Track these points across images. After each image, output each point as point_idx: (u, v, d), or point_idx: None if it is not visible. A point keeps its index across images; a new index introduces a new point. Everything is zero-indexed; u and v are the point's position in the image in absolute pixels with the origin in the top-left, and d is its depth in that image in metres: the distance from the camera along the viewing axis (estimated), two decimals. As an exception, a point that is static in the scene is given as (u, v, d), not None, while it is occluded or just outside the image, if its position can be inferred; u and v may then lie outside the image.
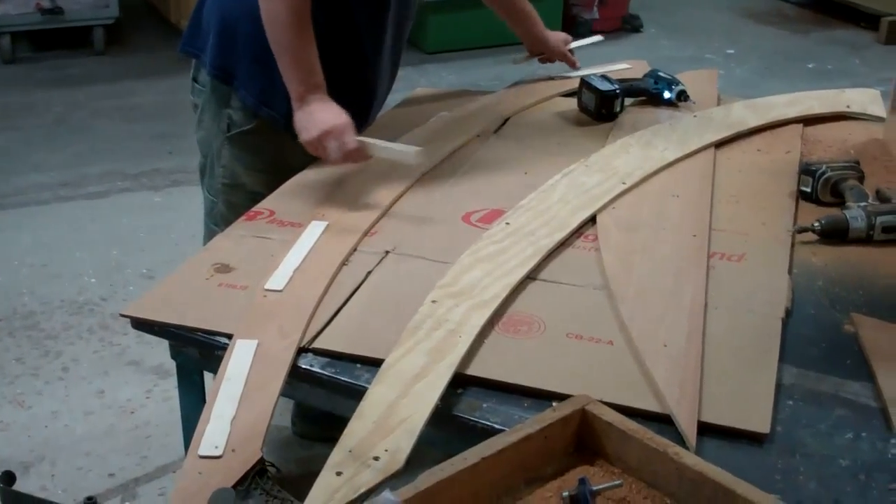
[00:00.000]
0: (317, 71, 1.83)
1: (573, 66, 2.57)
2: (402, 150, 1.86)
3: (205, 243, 1.95)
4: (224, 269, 1.64)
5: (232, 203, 2.02)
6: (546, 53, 2.56)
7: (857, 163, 1.92)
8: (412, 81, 5.32)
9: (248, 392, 1.32)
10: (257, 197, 1.90)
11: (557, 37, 2.61)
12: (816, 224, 1.73)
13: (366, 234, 1.73)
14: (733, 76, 5.55)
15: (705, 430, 1.25)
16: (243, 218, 1.81)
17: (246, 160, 2.01)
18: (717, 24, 6.56)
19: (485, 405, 1.31)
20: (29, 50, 5.53)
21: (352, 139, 1.81)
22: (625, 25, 6.26)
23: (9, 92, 4.98)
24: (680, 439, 1.21)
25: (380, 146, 1.85)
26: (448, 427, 1.29)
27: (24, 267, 3.40)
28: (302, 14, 1.79)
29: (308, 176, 1.96)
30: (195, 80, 2.08)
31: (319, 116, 1.81)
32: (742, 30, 6.44)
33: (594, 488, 1.09)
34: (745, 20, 6.66)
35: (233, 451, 1.22)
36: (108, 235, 3.58)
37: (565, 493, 1.09)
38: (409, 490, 1.01)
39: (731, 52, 5.95)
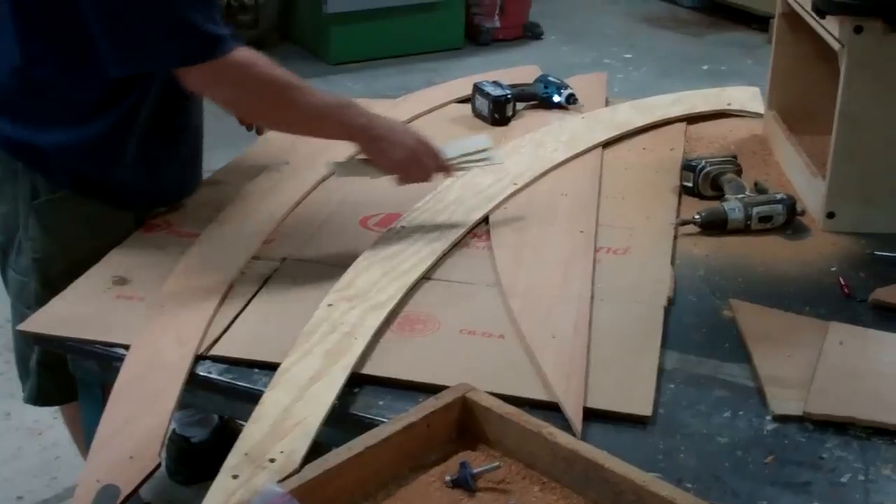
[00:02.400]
0: (345, 102, 1.71)
1: None
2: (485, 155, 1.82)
3: (15, 326, 1.72)
4: (121, 281, 1.65)
5: (49, 279, 1.73)
6: None
7: (735, 157, 2.01)
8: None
9: (146, 400, 1.34)
10: (75, 268, 1.69)
11: None
12: (697, 216, 1.81)
13: (263, 241, 1.76)
14: (631, 79, 5.69)
15: (592, 415, 1.31)
16: (141, 230, 1.82)
17: (58, 229, 1.75)
18: (614, 29, 6.71)
19: (381, 402, 1.35)
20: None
21: (442, 153, 1.75)
22: (526, 33, 6.36)
23: None
24: (568, 426, 1.27)
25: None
26: (345, 426, 1.32)
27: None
28: (290, 78, 1.64)
29: (204, 189, 1.98)
30: None
31: (400, 140, 1.71)
32: (639, 34, 6.60)
33: (475, 471, 1.14)
34: (642, 25, 6.82)
35: (130, 457, 1.24)
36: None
37: (448, 478, 1.14)
38: (294, 481, 1.05)
39: (629, 56, 6.09)
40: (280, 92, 1.63)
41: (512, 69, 2.77)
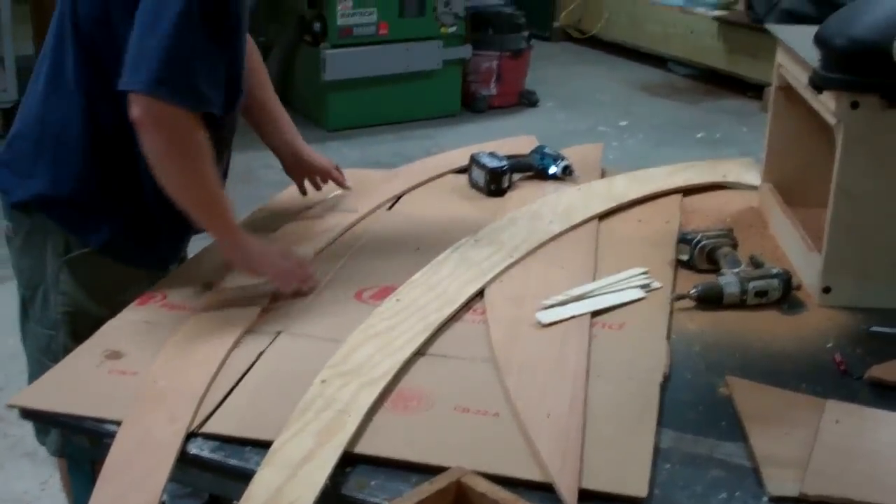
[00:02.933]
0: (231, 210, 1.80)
1: (342, 185, 2.27)
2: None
3: (31, 382, 1.80)
4: (115, 355, 1.64)
5: (78, 333, 1.79)
6: (308, 171, 2.24)
7: (731, 231, 2.01)
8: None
9: (136, 480, 1.32)
10: (104, 322, 1.75)
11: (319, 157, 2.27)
12: (693, 291, 1.81)
13: (257, 314, 1.75)
14: (626, 147, 5.74)
15: (587, 496, 1.29)
16: (135, 303, 1.81)
17: (90, 284, 1.84)
18: (610, 96, 6.78)
19: (373, 482, 1.34)
20: None
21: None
22: (522, 100, 6.42)
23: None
24: (562, 507, 1.25)
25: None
26: (338, 506, 1.31)
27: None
28: (210, 161, 1.71)
29: (200, 259, 1.98)
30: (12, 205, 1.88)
31: (261, 251, 1.83)
32: (634, 102, 6.67)
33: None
34: (637, 92, 6.90)
35: None
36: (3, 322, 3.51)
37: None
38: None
39: (624, 123, 6.15)
40: (198, 163, 1.69)
41: (509, 139, 2.79)
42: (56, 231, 1.83)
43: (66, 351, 1.75)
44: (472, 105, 6.24)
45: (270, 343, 1.67)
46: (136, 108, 1.62)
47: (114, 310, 1.78)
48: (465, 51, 6.00)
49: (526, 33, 6.35)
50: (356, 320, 1.71)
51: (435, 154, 2.90)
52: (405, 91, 5.83)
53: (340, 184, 2.26)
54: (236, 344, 1.65)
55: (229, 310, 1.76)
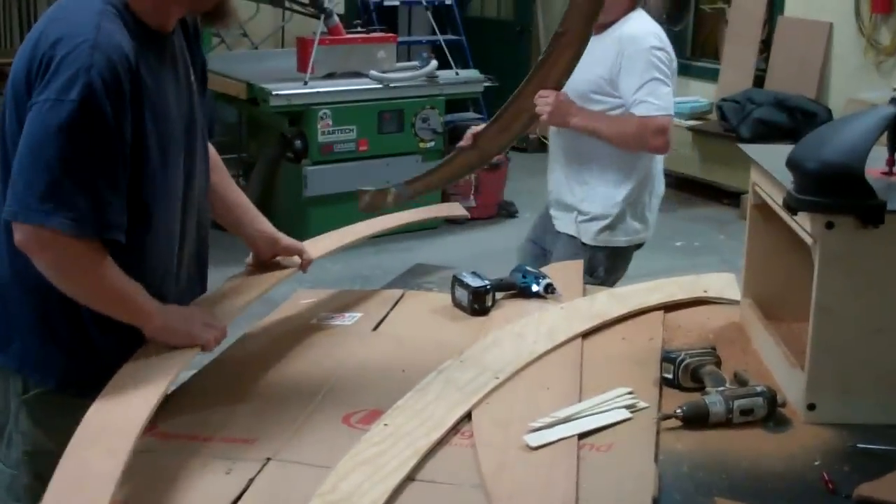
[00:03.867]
0: (142, 296, 1.82)
1: (305, 265, 2.33)
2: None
3: None
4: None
5: (39, 473, 1.77)
6: (279, 251, 2.26)
7: (714, 348, 2.04)
8: (297, 276, 5.40)
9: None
10: None
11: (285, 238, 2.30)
12: (679, 411, 1.82)
13: (245, 440, 1.75)
14: (606, 257, 5.79)
15: None
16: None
17: (50, 423, 1.81)
18: (588, 206, 6.87)
19: None
20: None
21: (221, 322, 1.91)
22: (501, 211, 6.52)
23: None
24: None
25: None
26: None
27: None
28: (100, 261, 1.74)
29: (188, 388, 1.98)
30: None
31: (177, 319, 1.87)
32: (612, 211, 6.76)
33: None
34: (616, 202, 6.99)
35: None
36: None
37: None
38: None
39: (604, 233, 6.21)
40: (90, 273, 1.73)
41: (555, 265, 2.80)
42: (14, 372, 1.84)
43: (28, 490, 1.75)
44: (451, 217, 6.30)
45: (260, 471, 1.66)
46: (17, 234, 1.68)
47: None
48: (445, 165, 6.09)
49: (503, 146, 6.46)
50: (345, 446, 1.70)
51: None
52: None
53: (306, 263, 2.31)
54: (226, 471, 1.65)
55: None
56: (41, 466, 1.76)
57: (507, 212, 6.54)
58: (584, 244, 3.18)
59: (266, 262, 2.25)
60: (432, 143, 5.99)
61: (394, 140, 5.85)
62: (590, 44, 2.91)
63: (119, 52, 1.66)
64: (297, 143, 5.63)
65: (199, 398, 1.93)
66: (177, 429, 1.81)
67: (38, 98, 1.64)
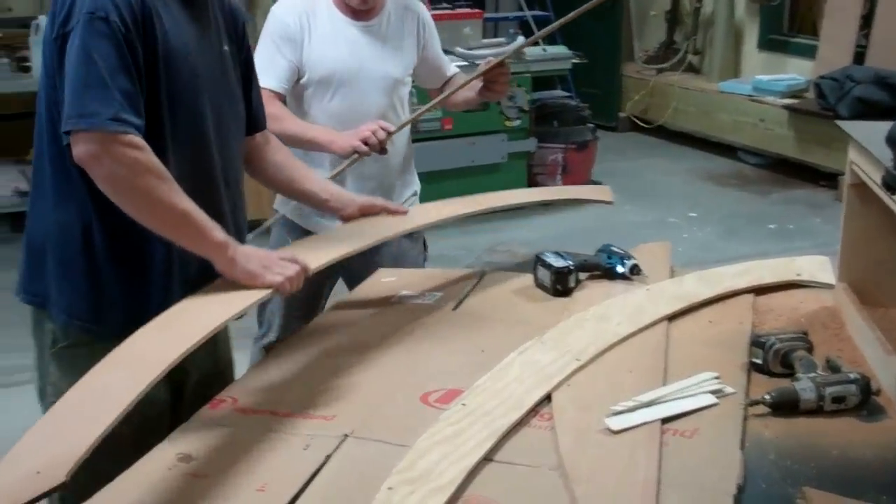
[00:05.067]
0: (212, 223, 1.81)
1: (402, 212, 2.41)
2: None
3: None
4: (186, 458, 1.65)
5: None
6: (352, 209, 2.29)
7: (806, 333, 1.97)
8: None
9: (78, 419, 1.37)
10: None
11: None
12: (767, 397, 1.76)
13: (324, 418, 1.75)
14: (695, 239, 5.69)
15: None
16: (207, 406, 1.82)
17: (74, 377, 1.74)
18: (678, 188, 6.76)
19: None
20: (8, 230, 5.59)
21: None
22: (589, 191, 6.43)
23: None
24: None
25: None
26: None
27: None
28: (168, 175, 1.75)
29: (269, 361, 1.99)
30: None
31: (251, 254, 1.85)
32: (703, 193, 6.63)
33: None
34: (706, 183, 6.86)
35: (37, 472, 1.26)
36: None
37: None
38: None
39: (694, 215, 6.11)
40: (156, 182, 1.73)
41: (643, 245, 2.70)
42: (46, 326, 1.89)
43: None
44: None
45: (338, 447, 1.66)
46: (74, 151, 1.71)
47: None
48: (530, 144, 6.05)
49: (591, 125, 6.39)
50: (422, 424, 1.69)
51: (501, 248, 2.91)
52: (470, 185, 5.84)
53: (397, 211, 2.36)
54: (305, 447, 1.65)
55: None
56: None
57: (595, 192, 6.45)
58: None
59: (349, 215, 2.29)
60: (518, 122, 5.93)
61: (479, 118, 5.80)
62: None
63: None
64: (384, 121, 5.63)
65: (279, 374, 1.94)
66: (256, 404, 1.82)
67: (56, 23, 1.73)
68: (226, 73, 1.97)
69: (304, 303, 2.65)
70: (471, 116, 5.78)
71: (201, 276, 1.89)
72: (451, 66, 2.99)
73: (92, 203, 1.80)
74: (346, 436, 1.69)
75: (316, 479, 1.56)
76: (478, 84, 2.75)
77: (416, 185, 2.99)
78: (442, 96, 2.81)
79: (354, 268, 2.60)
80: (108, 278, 1.86)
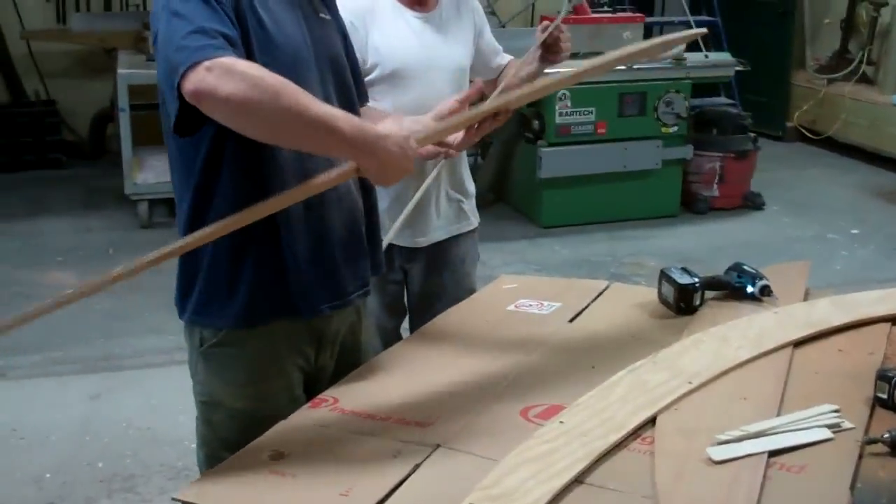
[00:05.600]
0: (337, 112, 1.68)
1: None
2: None
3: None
4: (278, 456, 1.66)
5: (212, 422, 1.89)
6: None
7: (940, 370, 1.84)
8: (525, 254, 5.40)
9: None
10: (236, 416, 1.84)
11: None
12: (886, 435, 1.65)
13: (418, 423, 1.74)
14: (856, 257, 5.43)
15: None
16: (307, 405, 1.84)
17: (223, 375, 1.86)
18: (842, 202, 6.46)
19: None
20: (165, 215, 5.83)
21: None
22: (746, 203, 6.22)
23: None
24: None
25: None
26: None
27: (132, 429, 3.51)
28: (276, 76, 1.62)
29: (374, 366, 2.00)
30: None
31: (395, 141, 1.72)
32: (869, 208, 6.32)
33: None
34: (873, 198, 6.54)
35: None
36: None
37: None
38: None
39: (856, 231, 5.83)
40: (279, 88, 1.60)
41: (781, 265, 2.57)
42: (192, 325, 1.89)
43: (204, 439, 1.88)
44: (692, 206, 6.11)
45: (427, 456, 1.64)
46: (186, 89, 1.59)
47: (249, 403, 1.85)
48: (686, 151, 5.90)
49: (752, 134, 6.18)
50: (517, 440, 1.66)
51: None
52: (621, 190, 5.78)
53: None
54: (395, 453, 1.64)
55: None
56: (213, 415, 1.89)
57: (752, 203, 6.24)
58: None
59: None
60: (675, 128, 5.78)
61: (634, 124, 5.70)
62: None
63: None
64: (535, 123, 5.60)
65: (384, 376, 1.94)
66: (357, 405, 1.82)
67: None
68: (327, 42, 1.91)
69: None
70: (625, 121, 5.69)
71: (338, 254, 1.89)
72: (505, 55, 2.91)
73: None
74: (439, 445, 1.67)
75: (400, 488, 1.55)
76: (534, 58, 2.67)
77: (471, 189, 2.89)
78: (509, 78, 2.65)
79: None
80: (246, 278, 1.82)
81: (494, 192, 6.23)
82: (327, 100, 1.82)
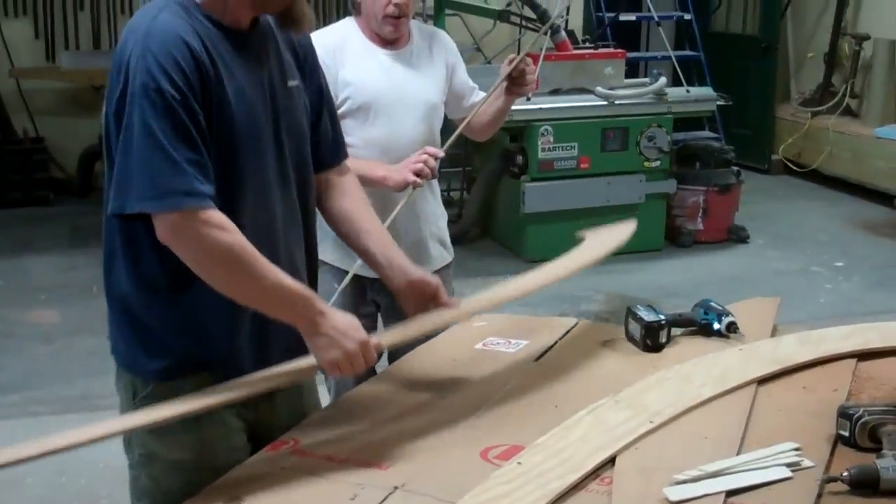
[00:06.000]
0: (298, 287, 1.77)
1: (448, 305, 2.03)
2: None
3: None
4: (234, 500, 1.65)
5: (154, 476, 1.86)
6: (400, 282, 2.02)
7: (902, 406, 1.84)
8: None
9: None
10: (177, 466, 1.82)
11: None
12: (846, 473, 1.64)
13: (377, 466, 1.73)
14: (840, 290, 5.44)
15: None
16: (266, 448, 1.83)
17: (158, 429, 1.80)
18: (827, 234, 6.48)
19: None
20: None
21: (373, 355, 1.80)
22: (730, 236, 6.24)
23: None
24: None
25: None
26: None
27: (108, 470, 3.48)
28: (250, 248, 1.72)
29: (339, 404, 1.99)
30: None
31: (338, 341, 1.76)
32: (854, 241, 6.34)
33: None
34: (858, 231, 6.56)
35: None
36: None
37: None
38: None
39: (840, 264, 5.84)
40: (238, 258, 1.70)
41: (747, 301, 2.57)
42: (124, 375, 1.88)
43: (146, 492, 1.86)
44: (676, 240, 6.12)
45: (384, 499, 1.63)
46: (158, 232, 1.69)
47: (184, 454, 1.83)
48: (670, 185, 5.92)
49: (736, 168, 6.21)
50: (477, 481, 1.65)
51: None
52: (605, 224, 5.77)
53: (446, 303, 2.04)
54: (352, 497, 1.64)
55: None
56: (155, 470, 1.85)
57: (737, 237, 6.25)
58: None
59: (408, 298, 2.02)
60: (658, 163, 5.81)
61: (617, 158, 5.72)
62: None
63: (174, 36, 1.69)
64: (519, 158, 5.62)
65: (345, 417, 1.93)
66: (316, 447, 1.82)
67: (113, 98, 1.72)
68: (291, 111, 1.91)
69: None
70: (608, 156, 5.71)
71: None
72: (480, 92, 2.92)
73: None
74: (396, 488, 1.66)
75: (356, 532, 1.55)
76: (501, 91, 2.73)
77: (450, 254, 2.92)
78: (479, 104, 2.77)
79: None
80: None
81: (479, 227, 6.24)
82: (282, 175, 1.88)
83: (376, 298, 2.75)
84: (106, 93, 1.77)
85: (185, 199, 1.67)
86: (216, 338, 1.83)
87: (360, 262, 2.27)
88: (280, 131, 1.88)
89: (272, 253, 1.81)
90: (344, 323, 1.79)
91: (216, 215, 1.70)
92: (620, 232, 2.52)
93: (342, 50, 2.66)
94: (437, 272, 2.76)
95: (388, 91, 2.66)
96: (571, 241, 5.91)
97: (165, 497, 1.83)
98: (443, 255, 2.87)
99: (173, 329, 1.82)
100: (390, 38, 2.69)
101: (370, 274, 2.50)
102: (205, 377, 1.82)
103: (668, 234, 6.10)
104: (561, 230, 5.76)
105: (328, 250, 2.58)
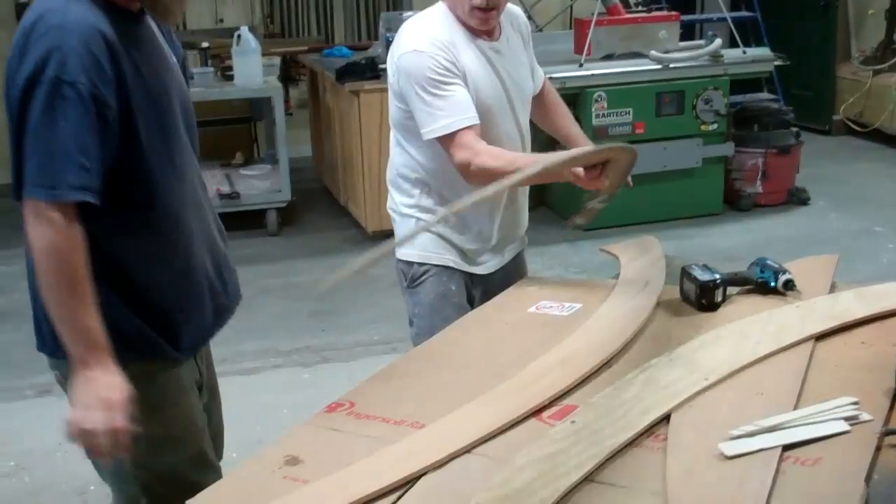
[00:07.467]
0: (99, 331, 1.73)
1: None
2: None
3: None
4: (293, 461, 1.68)
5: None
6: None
7: (963, 359, 1.80)
8: (566, 258, 5.38)
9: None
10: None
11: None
12: (904, 427, 1.63)
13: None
14: (903, 252, 5.33)
15: None
16: (323, 409, 1.86)
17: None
18: (890, 194, 6.35)
19: None
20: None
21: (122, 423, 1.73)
22: (791, 198, 6.14)
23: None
24: None
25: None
26: None
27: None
28: (73, 260, 1.71)
29: (393, 368, 2.01)
30: None
31: (96, 394, 1.72)
32: (918, 201, 6.21)
33: None
34: (922, 191, 6.42)
35: None
36: (254, 411, 3.71)
37: None
38: None
39: (905, 225, 5.72)
40: (58, 263, 1.70)
41: (807, 259, 2.51)
42: (49, 356, 1.91)
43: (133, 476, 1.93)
44: (735, 203, 6.04)
45: (440, 460, 1.64)
46: (26, 206, 1.70)
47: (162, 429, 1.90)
48: (727, 148, 5.84)
49: (795, 129, 6.10)
50: (531, 441, 1.66)
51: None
52: (663, 190, 5.73)
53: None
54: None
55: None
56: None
57: (797, 199, 6.15)
58: None
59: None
60: (715, 126, 5.72)
61: (672, 122, 5.65)
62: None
63: (90, 29, 1.71)
64: (573, 125, 5.57)
65: (400, 382, 1.95)
66: (372, 410, 1.83)
67: (14, 82, 1.72)
68: (181, 83, 1.98)
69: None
70: (663, 120, 5.65)
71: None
72: (539, 72, 2.75)
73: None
74: (451, 450, 1.68)
75: (412, 489, 1.56)
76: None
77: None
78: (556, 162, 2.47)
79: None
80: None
81: (533, 196, 6.21)
82: (192, 145, 1.97)
83: (474, 292, 2.60)
84: (6, 73, 1.75)
85: (70, 192, 1.68)
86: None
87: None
88: (183, 102, 1.95)
89: (204, 220, 1.96)
90: (109, 396, 1.72)
91: (76, 232, 1.70)
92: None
93: (454, 47, 2.39)
94: (521, 253, 2.76)
95: (502, 90, 2.48)
96: (628, 208, 5.90)
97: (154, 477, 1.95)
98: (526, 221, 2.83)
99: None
100: (480, 28, 2.42)
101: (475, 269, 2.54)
102: None
103: (726, 198, 6.02)
104: (618, 197, 5.69)
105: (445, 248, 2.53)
